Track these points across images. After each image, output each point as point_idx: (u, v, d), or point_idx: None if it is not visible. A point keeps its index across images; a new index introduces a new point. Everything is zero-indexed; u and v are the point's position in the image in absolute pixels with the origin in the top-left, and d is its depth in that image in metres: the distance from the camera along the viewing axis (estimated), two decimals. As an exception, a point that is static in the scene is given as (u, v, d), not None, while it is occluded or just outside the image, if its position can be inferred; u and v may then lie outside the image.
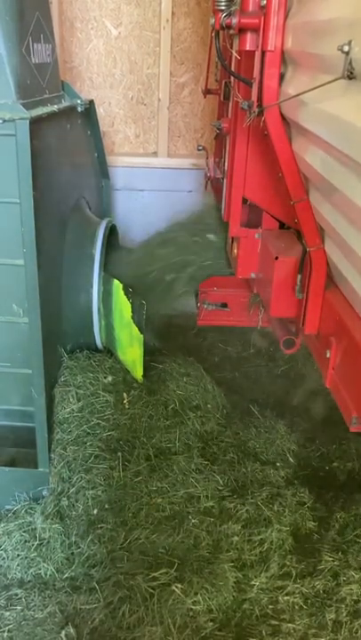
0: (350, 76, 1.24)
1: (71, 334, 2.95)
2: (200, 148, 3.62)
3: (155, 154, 4.25)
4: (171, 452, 2.72)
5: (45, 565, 2.37)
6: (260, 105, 1.84)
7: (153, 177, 4.19)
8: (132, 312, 2.81)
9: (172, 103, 4.13)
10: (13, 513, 2.55)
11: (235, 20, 1.76)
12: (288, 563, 2.31)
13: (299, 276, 2.02)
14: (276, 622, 2.13)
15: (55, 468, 2.59)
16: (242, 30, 1.81)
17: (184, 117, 4.21)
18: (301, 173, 1.88)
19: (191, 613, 2.13)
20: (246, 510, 2.47)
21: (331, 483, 2.78)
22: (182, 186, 4.18)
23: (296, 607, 2.17)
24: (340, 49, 1.21)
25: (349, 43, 1.22)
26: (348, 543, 2.39)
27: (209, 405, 3.02)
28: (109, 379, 2.87)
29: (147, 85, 4.10)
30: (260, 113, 1.85)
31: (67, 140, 2.92)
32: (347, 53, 1.22)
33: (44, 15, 2.61)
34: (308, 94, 1.53)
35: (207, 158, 3.65)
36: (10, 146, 2.21)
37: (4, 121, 2.21)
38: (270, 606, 2.19)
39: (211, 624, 2.12)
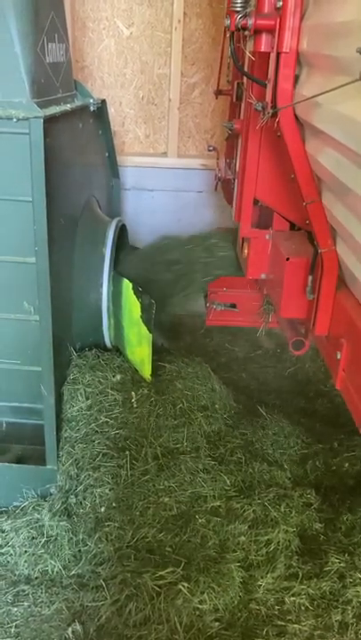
0: (367, 78, 1.25)
1: (80, 333, 2.96)
2: (211, 148, 3.63)
3: (165, 154, 4.26)
4: (178, 451, 2.73)
5: (52, 562, 2.37)
6: (274, 106, 1.84)
7: (163, 177, 4.20)
8: (142, 311, 2.82)
9: (183, 103, 4.14)
10: (21, 510, 2.56)
11: (250, 22, 1.76)
12: (294, 564, 2.31)
13: (310, 277, 2.03)
14: (283, 623, 2.13)
15: (63, 465, 2.60)
16: (257, 31, 1.81)
17: (194, 118, 4.22)
18: (314, 174, 1.89)
19: (197, 612, 2.14)
20: (253, 511, 2.47)
21: (338, 484, 2.77)
22: (192, 186, 4.20)
23: (302, 608, 2.17)
24: (359, 51, 1.21)
25: (367, 45, 1.22)
26: (355, 545, 2.39)
27: (216, 405, 3.02)
28: (118, 377, 2.88)
29: (157, 85, 4.12)
30: (274, 114, 1.85)
31: (79, 139, 2.94)
32: (365, 56, 1.22)
33: (58, 15, 2.62)
34: (323, 95, 1.53)
35: (218, 159, 3.65)
36: (23, 144, 2.22)
37: (19, 120, 2.23)
38: (276, 607, 2.19)
39: (217, 624, 2.12)
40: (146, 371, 2.90)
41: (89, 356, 2.93)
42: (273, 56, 1.82)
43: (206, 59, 4.02)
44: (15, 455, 2.75)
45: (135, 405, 2.80)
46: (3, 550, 2.44)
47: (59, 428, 2.66)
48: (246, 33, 1.87)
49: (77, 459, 2.61)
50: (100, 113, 3.27)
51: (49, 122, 2.28)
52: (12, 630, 2.15)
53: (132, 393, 2.83)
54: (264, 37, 1.83)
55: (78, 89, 3.06)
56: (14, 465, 2.67)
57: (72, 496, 2.54)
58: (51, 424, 2.59)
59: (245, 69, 2.23)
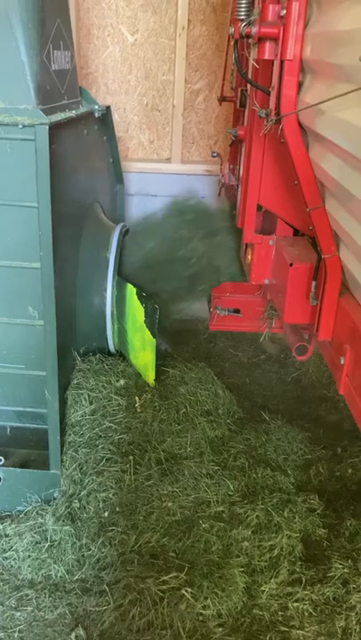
0: (371, 85, 1.26)
1: (84, 337, 2.97)
2: (215, 154, 3.64)
3: (168, 160, 4.28)
4: (182, 456, 2.73)
5: (56, 567, 2.38)
6: (277, 113, 1.85)
7: (166, 183, 4.22)
8: (145, 316, 2.83)
9: (187, 110, 4.16)
10: (25, 514, 2.57)
11: (254, 30, 1.78)
12: (298, 569, 2.31)
13: (313, 283, 2.03)
14: (286, 629, 2.13)
15: (67, 470, 2.61)
16: (261, 39, 1.83)
17: (198, 124, 4.24)
18: (318, 180, 1.90)
19: (201, 618, 2.14)
20: (257, 516, 2.47)
21: (341, 490, 2.77)
22: (195, 192, 4.21)
23: (306, 614, 2.17)
24: (361, 59, 1.23)
25: (370, 53, 1.23)
26: (359, 551, 2.39)
27: (220, 411, 3.03)
28: (121, 382, 2.89)
29: (161, 92, 4.14)
30: (278, 121, 1.87)
31: (83, 145, 2.95)
32: (367, 64, 1.23)
33: (64, 22, 2.64)
34: (326, 103, 1.55)
35: (221, 165, 3.67)
36: (29, 150, 2.24)
37: (24, 126, 2.25)
38: (280, 612, 2.19)
39: (220, 629, 2.12)
40: (149, 376, 2.91)
41: (93, 360, 2.95)
42: (277, 63, 1.83)
43: (210, 65, 4.04)
44: (19, 459, 2.76)
45: (139, 410, 2.81)
46: (6, 555, 2.44)
47: (62, 433, 2.67)
48: (250, 40, 1.89)
49: (81, 463, 2.62)
50: (105, 119, 3.29)
51: (54, 128, 2.30)
52: (16, 635, 2.15)
53: (136, 398, 2.84)
54: (268, 45, 1.85)
55: (83, 95, 3.08)
56: (18, 469, 2.68)
57: (76, 501, 2.54)
58: (55, 428, 2.59)
59: (249, 76, 2.25)
